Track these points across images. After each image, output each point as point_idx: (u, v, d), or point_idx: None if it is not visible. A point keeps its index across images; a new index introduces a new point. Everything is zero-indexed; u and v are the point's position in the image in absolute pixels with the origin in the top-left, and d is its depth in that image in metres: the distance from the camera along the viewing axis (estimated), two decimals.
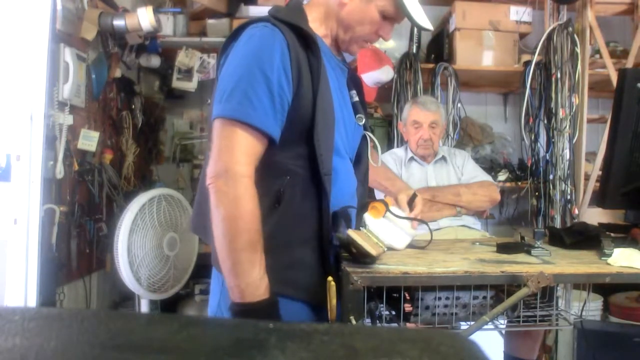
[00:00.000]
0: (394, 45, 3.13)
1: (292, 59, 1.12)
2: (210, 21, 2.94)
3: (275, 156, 1.14)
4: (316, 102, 1.14)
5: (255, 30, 1.15)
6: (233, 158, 1.07)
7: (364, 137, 1.43)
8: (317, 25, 1.26)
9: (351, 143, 1.34)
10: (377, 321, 1.21)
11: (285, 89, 1.12)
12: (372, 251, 1.13)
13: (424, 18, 1.27)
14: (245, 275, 1.05)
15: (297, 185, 1.16)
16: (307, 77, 1.15)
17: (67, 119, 2.13)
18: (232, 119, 1.08)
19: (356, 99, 1.39)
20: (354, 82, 1.42)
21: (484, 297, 1.19)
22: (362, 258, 1.15)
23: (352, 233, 1.15)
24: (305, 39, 1.16)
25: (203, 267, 2.43)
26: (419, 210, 1.48)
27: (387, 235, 1.33)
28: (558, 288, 1.36)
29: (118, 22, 2.41)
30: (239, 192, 1.05)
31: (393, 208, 1.39)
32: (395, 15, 1.26)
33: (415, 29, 3.05)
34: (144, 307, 2.35)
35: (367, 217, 1.33)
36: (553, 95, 2.83)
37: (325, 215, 1.16)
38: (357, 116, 1.35)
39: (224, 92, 1.10)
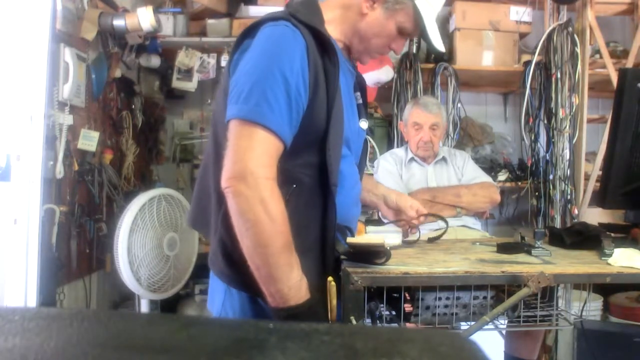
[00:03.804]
0: None
1: (310, 65, 1.09)
2: (210, 21, 2.94)
3: (282, 163, 1.09)
4: (331, 112, 1.11)
5: (275, 29, 1.10)
6: (254, 160, 1.01)
7: (364, 141, 1.42)
8: (333, 27, 1.23)
9: (356, 148, 1.33)
10: (377, 321, 1.21)
11: (302, 94, 1.08)
12: (384, 243, 1.13)
13: (438, 38, 1.28)
14: (286, 279, 1.02)
15: (302, 194, 1.13)
16: (323, 85, 1.11)
17: (67, 119, 2.13)
18: (250, 121, 1.04)
19: (360, 101, 1.37)
20: (359, 84, 1.40)
21: (485, 297, 1.19)
22: (374, 258, 1.14)
23: (353, 239, 1.15)
24: (323, 44, 1.13)
25: (203, 267, 2.42)
26: (424, 211, 1.49)
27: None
28: (558, 288, 1.36)
29: (118, 22, 2.41)
30: (264, 195, 1.00)
31: (369, 228, 1.39)
32: (411, 32, 1.26)
33: None
34: (144, 307, 2.35)
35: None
36: (553, 95, 2.84)
37: (330, 225, 1.14)
38: (361, 120, 1.34)
39: (241, 91, 1.05)
